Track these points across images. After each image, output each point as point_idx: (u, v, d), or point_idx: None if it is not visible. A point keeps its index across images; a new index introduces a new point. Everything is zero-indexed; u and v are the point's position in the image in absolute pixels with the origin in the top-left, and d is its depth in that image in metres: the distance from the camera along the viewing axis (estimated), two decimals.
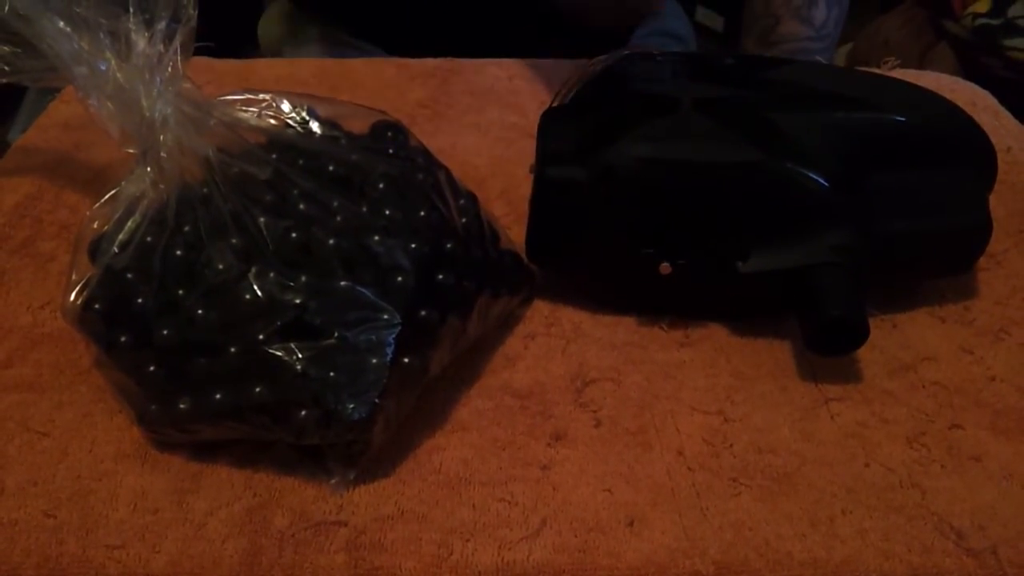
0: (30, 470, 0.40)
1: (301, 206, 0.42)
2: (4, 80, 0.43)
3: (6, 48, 0.42)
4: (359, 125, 0.48)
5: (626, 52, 0.53)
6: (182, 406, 0.38)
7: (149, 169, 0.41)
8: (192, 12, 0.42)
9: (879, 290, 0.49)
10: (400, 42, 0.85)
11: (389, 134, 0.48)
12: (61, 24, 0.41)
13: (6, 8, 0.40)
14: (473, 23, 0.82)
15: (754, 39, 0.87)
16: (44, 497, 0.39)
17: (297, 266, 0.40)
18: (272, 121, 0.45)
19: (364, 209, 0.42)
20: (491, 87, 0.70)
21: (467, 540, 0.38)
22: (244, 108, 0.44)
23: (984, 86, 0.72)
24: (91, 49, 0.41)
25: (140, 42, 0.42)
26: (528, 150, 0.49)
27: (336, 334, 0.38)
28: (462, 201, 0.46)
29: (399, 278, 0.40)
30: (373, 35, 0.87)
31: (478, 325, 0.45)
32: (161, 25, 0.42)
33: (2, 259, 0.52)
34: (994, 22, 1.22)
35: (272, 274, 0.39)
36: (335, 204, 0.42)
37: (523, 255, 0.49)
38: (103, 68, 0.41)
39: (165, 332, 0.39)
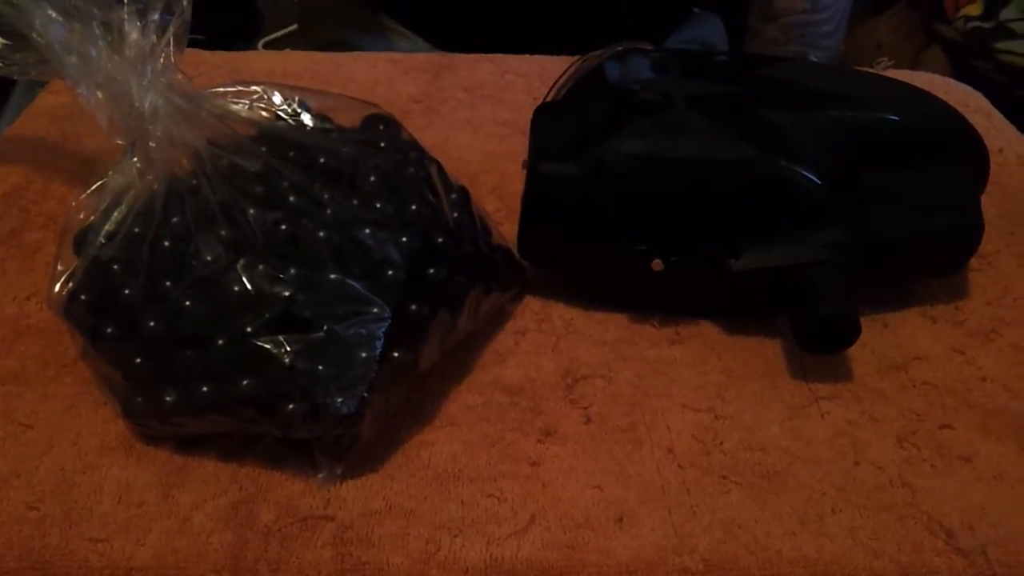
0: (13, 462, 0.40)
1: (291, 198, 0.41)
2: None
3: None
4: (350, 118, 0.48)
5: (620, 48, 0.53)
6: (168, 398, 0.38)
7: (136, 160, 0.41)
8: (185, 4, 0.42)
9: (870, 289, 0.48)
10: (438, 26, 0.84)
11: (381, 127, 0.48)
12: (53, 13, 0.41)
13: None
14: (513, 17, 0.82)
15: (756, 14, 0.87)
16: (27, 489, 0.39)
17: (286, 258, 0.39)
18: (263, 113, 0.45)
19: (355, 202, 0.42)
20: (484, 82, 0.70)
21: (455, 536, 0.37)
22: (235, 100, 0.44)
23: (976, 89, 0.72)
24: (82, 39, 0.41)
25: (132, 33, 0.41)
26: (520, 146, 0.49)
27: (325, 327, 0.38)
28: (454, 196, 0.46)
29: (390, 272, 0.40)
30: (415, 22, 0.87)
31: (469, 320, 0.44)
32: (154, 16, 0.41)
33: None
34: (986, 25, 1.23)
35: (261, 266, 0.39)
36: (325, 197, 0.41)
37: (515, 251, 0.48)
38: (93, 55, 0.40)
39: (152, 324, 0.38)
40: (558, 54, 0.73)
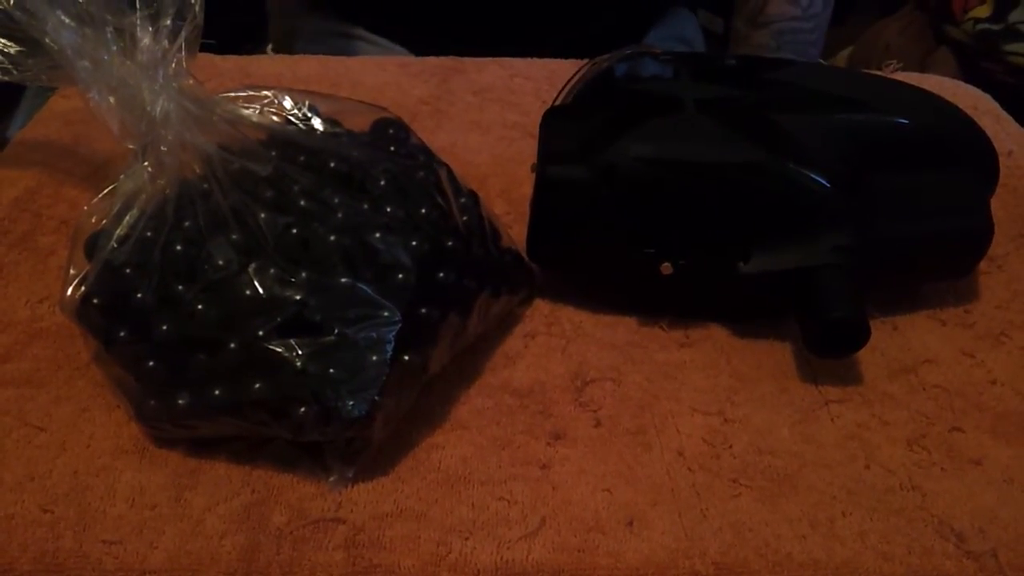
0: (27, 465, 0.40)
1: (302, 202, 0.41)
2: (6, 79, 0.43)
3: (11, 47, 0.42)
4: (360, 122, 0.48)
5: (628, 51, 0.53)
6: (181, 402, 0.38)
7: (147, 164, 0.41)
8: (198, 10, 0.42)
9: (880, 292, 0.49)
10: (412, 34, 0.84)
11: (390, 131, 0.48)
12: (65, 19, 0.41)
13: (11, 1, 0.40)
14: (489, 17, 0.82)
15: (743, 19, 0.87)
16: (41, 492, 0.39)
17: (297, 262, 0.40)
18: (274, 118, 0.45)
19: (365, 206, 0.42)
20: (492, 86, 0.70)
21: (466, 538, 0.37)
22: (246, 104, 0.44)
23: (985, 91, 0.72)
24: (94, 44, 0.41)
25: (145, 38, 0.42)
26: (529, 149, 0.49)
27: (336, 331, 0.38)
28: (463, 199, 0.46)
29: (400, 275, 0.40)
30: (384, 28, 0.87)
31: (478, 324, 0.45)
32: (166, 22, 0.42)
33: (1, 253, 0.52)
34: (995, 27, 1.22)
35: (272, 270, 0.39)
36: (336, 201, 0.42)
37: (524, 254, 0.48)
38: (105, 60, 0.40)
39: (164, 327, 0.39)
40: (537, 55, 0.73)
